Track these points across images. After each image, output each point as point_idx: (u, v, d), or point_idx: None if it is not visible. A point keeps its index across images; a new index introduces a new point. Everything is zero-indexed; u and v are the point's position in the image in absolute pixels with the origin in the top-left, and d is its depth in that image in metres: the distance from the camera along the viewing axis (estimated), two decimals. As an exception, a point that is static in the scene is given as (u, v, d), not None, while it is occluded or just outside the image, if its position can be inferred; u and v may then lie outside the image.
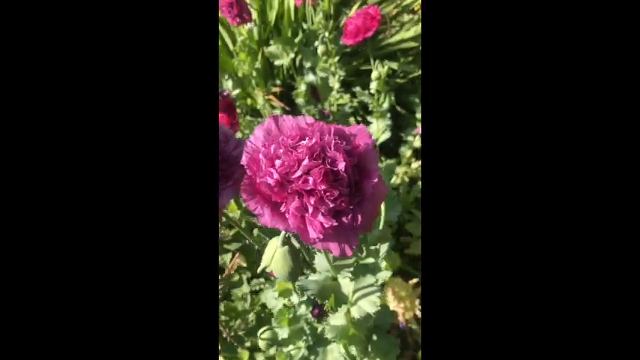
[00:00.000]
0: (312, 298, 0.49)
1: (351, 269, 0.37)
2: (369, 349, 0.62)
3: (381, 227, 0.42)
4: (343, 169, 0.23)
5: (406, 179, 1.39)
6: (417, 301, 1.06)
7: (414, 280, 1.04)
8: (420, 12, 1.40)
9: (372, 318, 0.49)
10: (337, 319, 0.46)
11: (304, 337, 0.50)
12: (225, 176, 0.31)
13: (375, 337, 0.62)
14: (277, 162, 0.23)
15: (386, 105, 0.84)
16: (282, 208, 0.24)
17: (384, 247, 0.48)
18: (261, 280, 0.76)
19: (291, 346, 0.49)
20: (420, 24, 1.27)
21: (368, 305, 0.42)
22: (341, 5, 1.49)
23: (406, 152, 1.33)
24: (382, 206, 0.41)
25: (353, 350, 0.46)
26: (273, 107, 1.11)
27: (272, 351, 0.64)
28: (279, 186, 0.24)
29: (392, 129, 1.36)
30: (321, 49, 0.75)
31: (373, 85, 0.80)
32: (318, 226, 0.23)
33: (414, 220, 1.25)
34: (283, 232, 0.28)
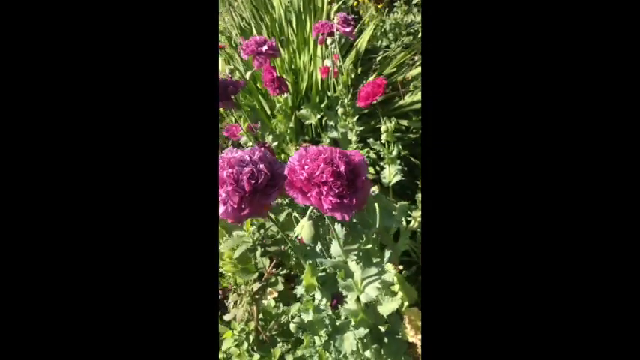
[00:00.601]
0: (332, 294, 0.63)
1: (356, 252, 0.52)
2: (382, 352, 0.72)
3: (377, 226, 0.57)
4: (343, 171, 0.41)
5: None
6: (434, 333, 1.13)
7: (430, 311, 1.12)
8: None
9: (376, 305, 0.61)
10: (350, 305, 0.59)
11: (325, 328, 0.63)
12: (272, 185, 0.49)
13: (386, 340, 0.73)
14: (306, 167, 0.41)
15: (395, 152, 1.02)
16: (308, 194, 0.41)
17: (387, 253, 0.62)
18: (291, 307, 0.89)
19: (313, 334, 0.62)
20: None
21: (372, 290, 0.56)
22: (362, 74, 1.77)
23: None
24: (378, 213, 0.57)
25: (362, 332, 0.59)
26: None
27: (299, 352, 0.76)
28: (306, 181, 0.41)
29: (409, 177, 1.53)
30: (340, 110, 0.97)
31: (383, 137, 0.99)
32: (328, 203, 0.40)
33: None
34: (309, 212, 0.44)
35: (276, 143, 0.92)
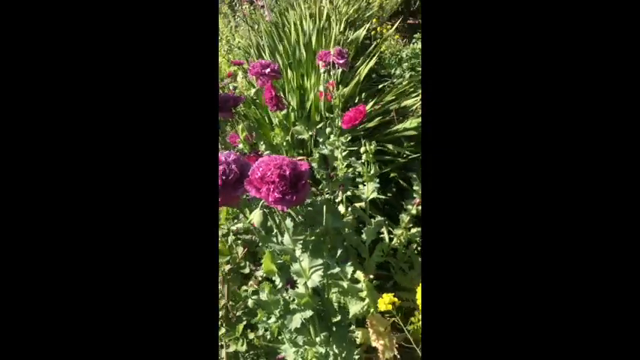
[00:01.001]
0: (287, 279, 0.75)
1: (302, 242, 0.65)
2: (330, 339, 0.84)
3: (324, 224, 0.70)
4: (288, 174, 0.54)
5: (403, 241, 1.62)
6: (395, 341, 1.22)
7: (391, 320, 1.22)
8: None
9: (320, 291, 0.73)
10: (300, 290, 0.71)
11: (279, 308, 0.75)
12: (241, 181, 0.63)
13: (334, 329, 0.84)
14: (260, 169, 0.55)
15: (372, 171, 1.15)
16: (260, 190, 0.55)
17: (339, 252, 0.75)
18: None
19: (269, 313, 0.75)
20: (418, 118, 1.63)
21: (317, 277, 0.68)
22: (365, 99, 1.92)
23: (405, 218, 1.59)
24: (325, 214, 0.70)
25: (308, 314, 0.71)
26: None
27: (260, 332, 0.88)
28: (260, 179, 0.55)
29: (397, 198, 1.64)
30: (328, 130, 1.11)
31: (363, 157, 1.12)
32: (273, 197, 0.53)
33: (405, 275, 1.46)
34: (261, 203, 0.58)
35: (268, 152, 1.07)
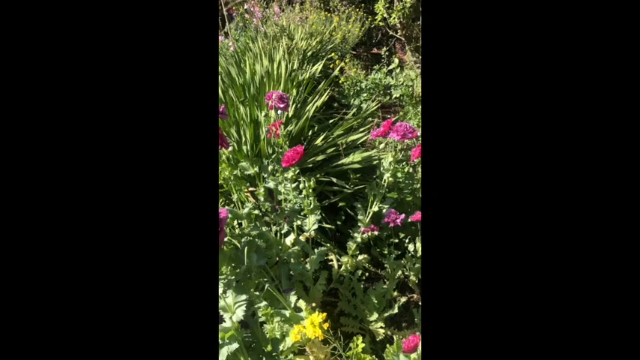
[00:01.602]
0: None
1: (225, 281, 0.71)
2: (262, 370, 0.89)
3: (245, 263, 0.77)
4: None
5: (349, 268, 1.70)
6: (335, 368, 1.28)
7: (331, 346, 1.28)
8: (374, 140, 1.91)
9: (251, 323, 0.79)
10: (226, 324, 0.77)
11: (210, 341, 0.80)
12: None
13: (263, 359, 0.90)
14: None
15: (312, 205, 1.24)
16: None
17: (267, 286, 0.81)
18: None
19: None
20: (363, 153, 1.76)
21: (240, 312, 0.75)
22: (318, 132, 2.03)
23: (352, 246, 1.68)
24: (247, 253, 0.77)
25: (234, 347, 0.76)
26: (247, 199, 1.54)
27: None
28: None
29: (348, 226, 1.74)
30: (270, 167, 1.20)
31: (304, 192, 1.21)
32: None
33: (348, 302, 1.53)
34: None
35: (212, 189, 1.14)
